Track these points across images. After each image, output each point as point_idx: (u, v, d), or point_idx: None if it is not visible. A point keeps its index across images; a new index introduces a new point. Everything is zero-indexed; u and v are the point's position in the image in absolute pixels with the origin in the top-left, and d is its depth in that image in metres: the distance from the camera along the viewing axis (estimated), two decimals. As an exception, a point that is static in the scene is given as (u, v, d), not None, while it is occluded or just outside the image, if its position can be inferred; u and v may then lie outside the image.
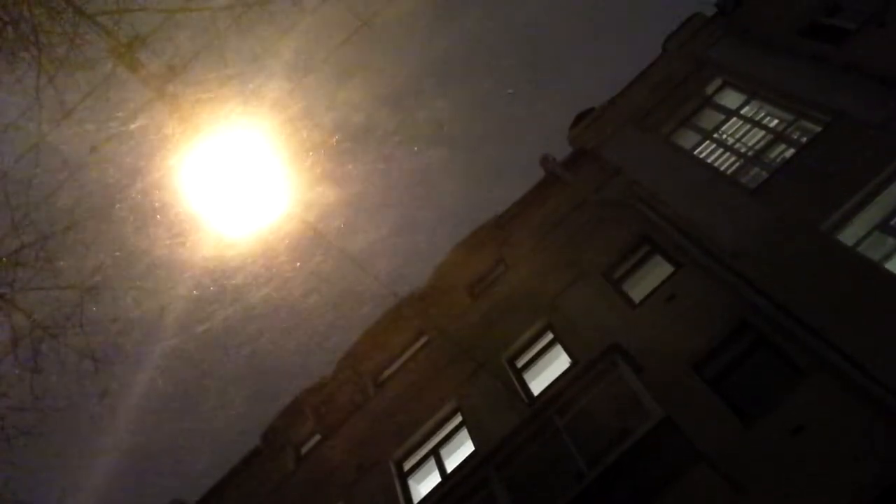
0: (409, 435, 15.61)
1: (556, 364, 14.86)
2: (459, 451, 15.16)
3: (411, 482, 15.17)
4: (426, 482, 15.23)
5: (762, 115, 15.55)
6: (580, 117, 18.42)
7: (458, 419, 15.30)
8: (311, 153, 16.87)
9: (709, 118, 16.38)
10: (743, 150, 15.08)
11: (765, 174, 14.00)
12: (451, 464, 14.84)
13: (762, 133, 15.12)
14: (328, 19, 15.55)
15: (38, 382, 11.80)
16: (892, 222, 12.04)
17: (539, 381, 14.77)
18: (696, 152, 15.64)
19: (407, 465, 15.43)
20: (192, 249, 15.87)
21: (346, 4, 15.35)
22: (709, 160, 15.34)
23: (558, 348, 14.79)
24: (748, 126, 15.52)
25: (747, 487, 10.04)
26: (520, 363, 15.18)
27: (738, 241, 12.87)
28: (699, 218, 13.77)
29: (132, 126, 13.79)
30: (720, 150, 15.50)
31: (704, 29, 17.41)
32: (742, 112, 15.75)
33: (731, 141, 15.52)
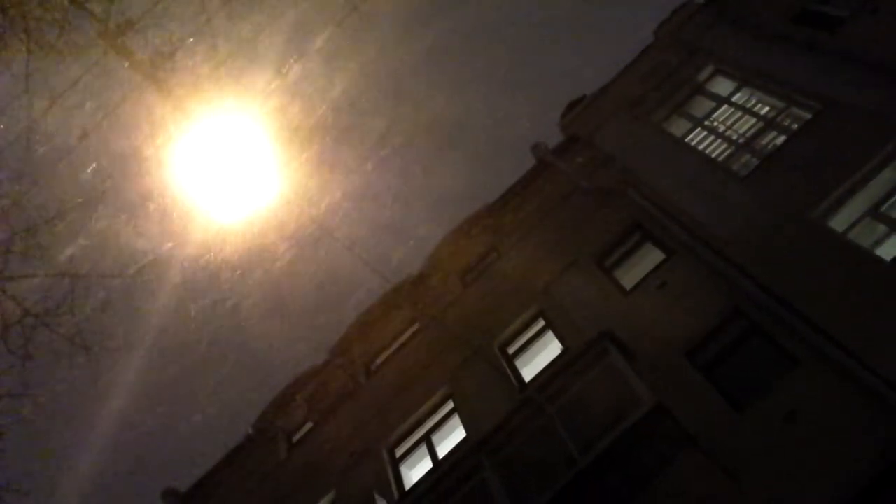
0: (402, 421, 15.64)
1: (548, 351, 14.89)
2: (451, 438, 15.20)
3: (403, 468, 15.21)
4: (418, 468, 15.27)
5: (754, 102, 15.55)
6: (572, 105, 18.44)
7: (450, 405, 15.33)
8: (302, 139, 16.81)
9: (700, 105, 16.38)
10: (734, 137, 15.09)
11: (756, 161, 14.02)
12: (442, 450, 14.88)
13: (754, 120, 15.14)
14: (320, 5, 15.48)
15: (29, 369, 11.77)
16: (882, 208, 12.09)
17: (531, 368, 14.79)
18: (687, 139, 15.66)
19: (399, 452, 15.46)
20: (184, 236, 15.82)
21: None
22: (700, 147, 15.36)
23: (550, 335, 14.83)
24: (740, 113, 15.53)
25: (740, 473, 10.09)
26: (512, 350, 15.20)
27: (730, 227, 12.90)
28: (690, 205, 13.80)
29: (122, 112, 13.71)
30: (712, 138, 15.51)
31: (696, 16, 17.40)
32: (733, 99, 15.77)
33: (722, 128, 15.53)
